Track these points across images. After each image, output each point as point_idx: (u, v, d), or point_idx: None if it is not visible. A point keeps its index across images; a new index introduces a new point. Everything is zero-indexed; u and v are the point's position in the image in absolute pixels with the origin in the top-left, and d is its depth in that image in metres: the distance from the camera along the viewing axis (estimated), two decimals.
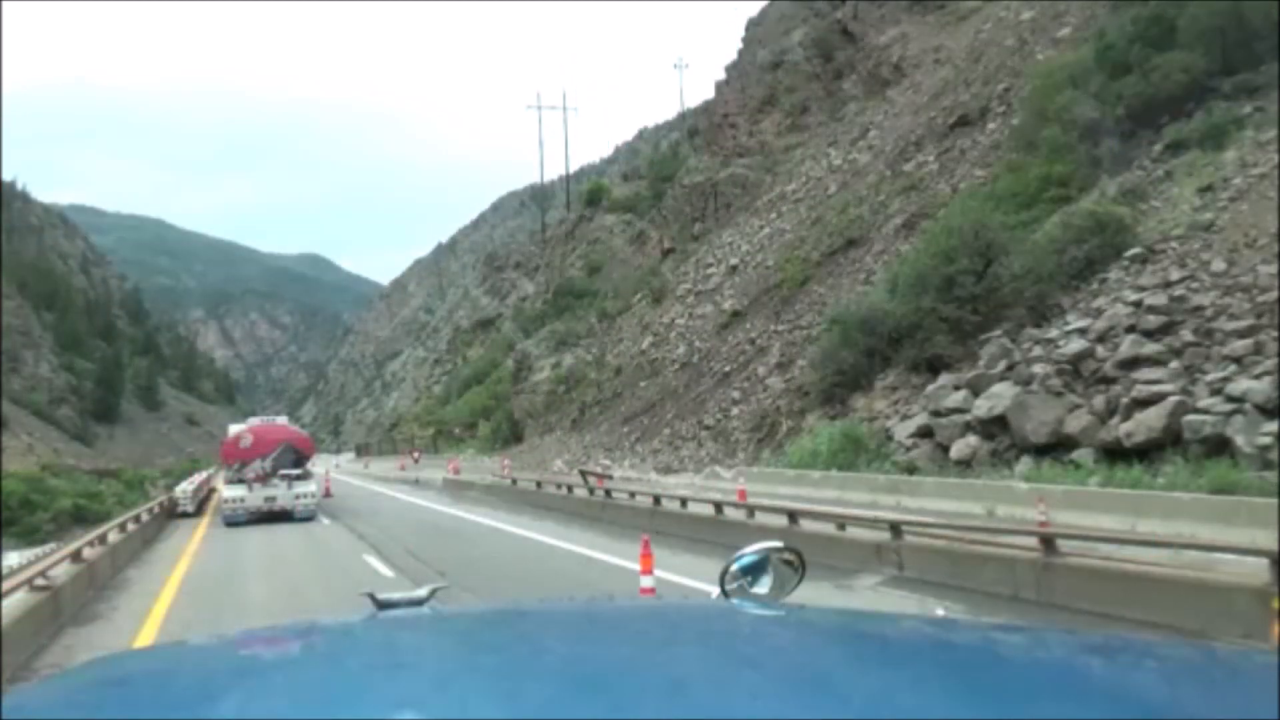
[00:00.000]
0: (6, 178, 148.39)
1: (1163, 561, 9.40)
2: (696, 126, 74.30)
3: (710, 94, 66.97)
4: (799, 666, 1.41)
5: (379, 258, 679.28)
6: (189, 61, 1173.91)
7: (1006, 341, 21.29)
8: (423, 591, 2.21)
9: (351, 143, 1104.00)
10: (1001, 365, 20.52)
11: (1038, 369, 19.36)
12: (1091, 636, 1.76)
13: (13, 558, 25.19)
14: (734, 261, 43.77)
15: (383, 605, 2.07)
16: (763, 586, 2.14)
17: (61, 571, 12.78)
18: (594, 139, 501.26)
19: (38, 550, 26.99)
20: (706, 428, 33.49)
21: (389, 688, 1.24)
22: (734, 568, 2.16)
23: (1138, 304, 19.06)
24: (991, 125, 33.42)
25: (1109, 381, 18.33)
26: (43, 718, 1.28)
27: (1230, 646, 1.62)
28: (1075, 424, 18.11)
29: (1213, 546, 9.96)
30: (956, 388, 21.41)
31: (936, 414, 21.37)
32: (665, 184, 68.52)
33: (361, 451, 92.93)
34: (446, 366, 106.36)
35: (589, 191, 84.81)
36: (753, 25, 64.69)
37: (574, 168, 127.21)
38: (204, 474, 41.28)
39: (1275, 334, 16.57)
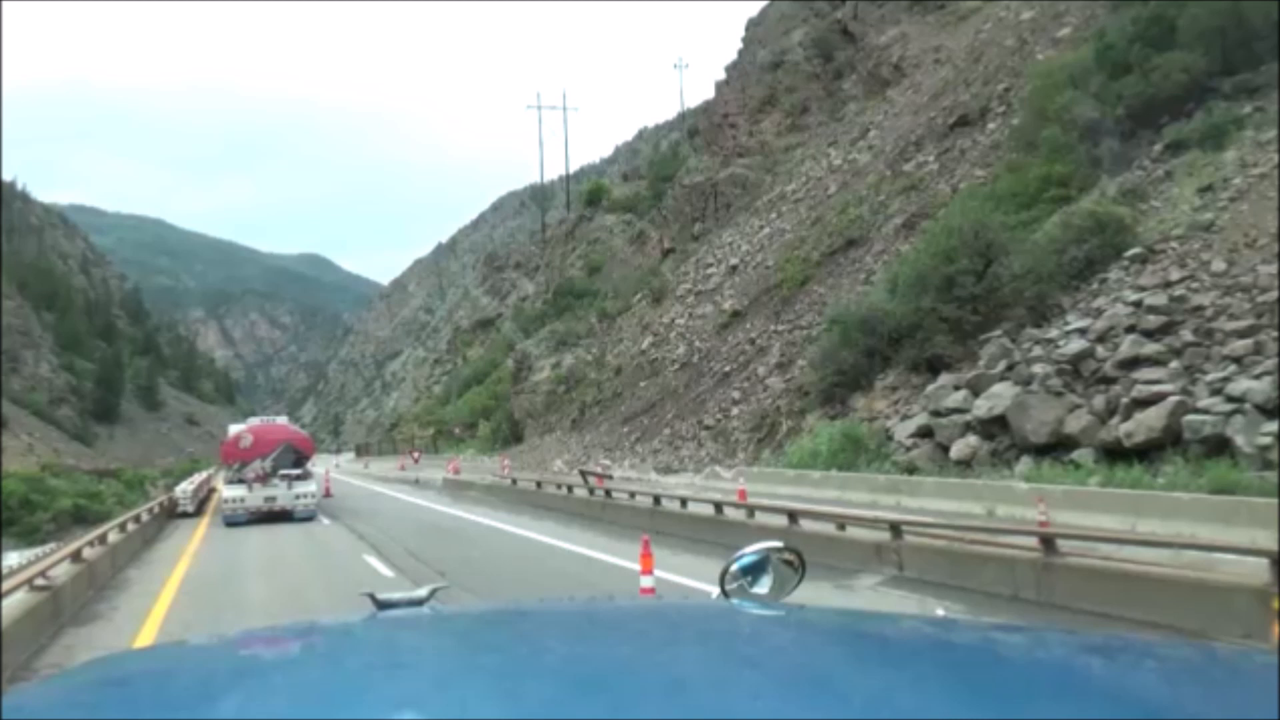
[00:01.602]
0: (6, 178, 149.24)
1: (1163, 561, 9.39)
2: (696, 126, 74.31)
3: (710, 94, 66.95)
4: (799, 666, 1.40)
5: (379, 258, 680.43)
6: (189, 62, 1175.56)
7: (1006, 341, 21.29)
8: (422, 592, 2.20)
9: (352, 143, 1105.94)
10: (1001, 365, 20.53)
11: (1037, 369, 19.36)
12: (1091, 636, 1.75)
13: (13, 557, 25.28)
14: (734, 261, 43.80)
15: (382, 605, 2.06)
16: (763, 586, 2.14)
17: (61, 571, 12.78)
18: (594, 139, 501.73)
19: (38, 550, 27.01)
20: (706, 428, 33.49)
21: (389, 688, 1.24)
22: (734, 568, 2.16)
23: (1138, 304, 19.05)
24: (991, 125, 33.41)
25: (1108, 381, 18.33)
26: (43, 718, 1.27)
27: (1230, 646, 1.61)
28: (1075, 424, 18.11)
29: (1213, 546, 9.95)
30: (957, 388, 21.42)
31: (936, 414, 21.37)
32: (665, 184, 68.61)
33: (361, 451, 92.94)
34: (446, 366, 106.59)
35: (589, 191, 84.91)
36: (753, 25, 64.74)
37: (574, 167, 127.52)
38: (204, 474, 41.28)
39: (1275, 334, 16.58)
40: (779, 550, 2.20)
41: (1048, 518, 13.06)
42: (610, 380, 46.00)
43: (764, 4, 66.11)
